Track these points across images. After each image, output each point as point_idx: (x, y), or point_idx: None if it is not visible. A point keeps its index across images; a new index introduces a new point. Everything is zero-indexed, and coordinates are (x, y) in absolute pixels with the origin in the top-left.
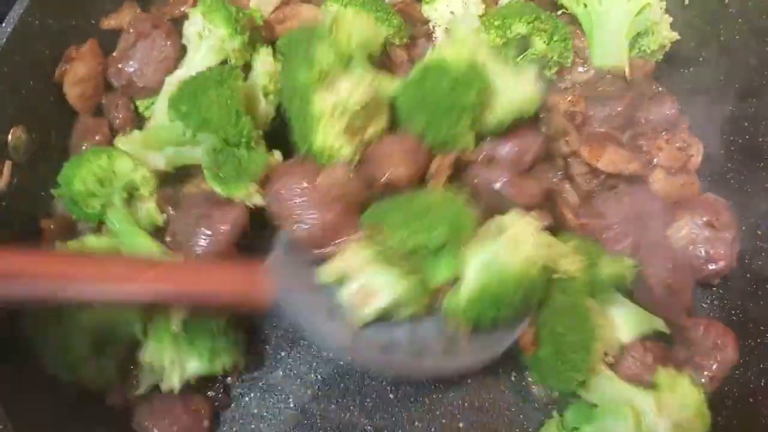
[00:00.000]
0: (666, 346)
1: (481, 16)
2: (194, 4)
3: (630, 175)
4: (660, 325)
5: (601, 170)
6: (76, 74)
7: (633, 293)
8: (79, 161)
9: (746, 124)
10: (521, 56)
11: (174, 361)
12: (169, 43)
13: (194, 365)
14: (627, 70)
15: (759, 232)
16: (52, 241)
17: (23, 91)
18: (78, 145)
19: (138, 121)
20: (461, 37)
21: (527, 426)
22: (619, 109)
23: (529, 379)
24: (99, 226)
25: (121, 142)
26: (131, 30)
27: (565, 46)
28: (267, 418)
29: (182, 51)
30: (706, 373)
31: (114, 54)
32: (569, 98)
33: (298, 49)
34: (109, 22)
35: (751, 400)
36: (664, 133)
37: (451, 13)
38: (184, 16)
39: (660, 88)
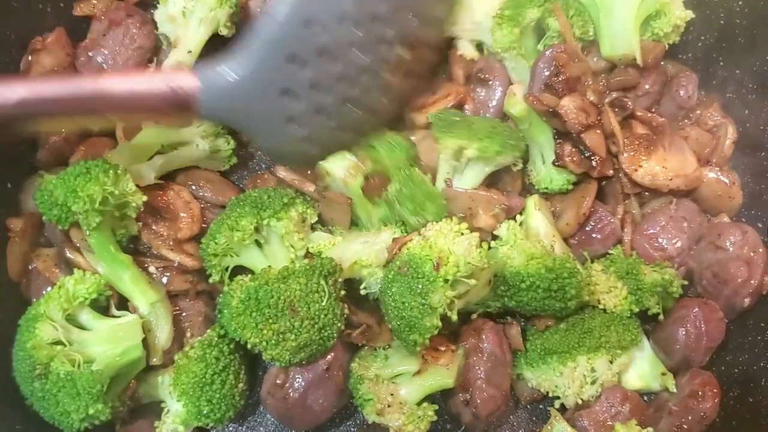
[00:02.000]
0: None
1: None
2: None
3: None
4: (670, 384)
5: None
6: (43, 66)
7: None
8: (88, 175)
9: None
10: (541, 42)
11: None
12: (143, 31)
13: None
14: (638, 57)
15: None
16: (19, 242)
17: None
18: (47, 139)
19: None
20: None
21: None
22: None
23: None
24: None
25: (113, 157)
26: (103, 18)
27: (583, 19)
28: None
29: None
30: (678, 424)
31: (84, 43)
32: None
33: (410, 294)
34: (82, 9)
35: None
36: (687, 120)
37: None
38: (153, 3)
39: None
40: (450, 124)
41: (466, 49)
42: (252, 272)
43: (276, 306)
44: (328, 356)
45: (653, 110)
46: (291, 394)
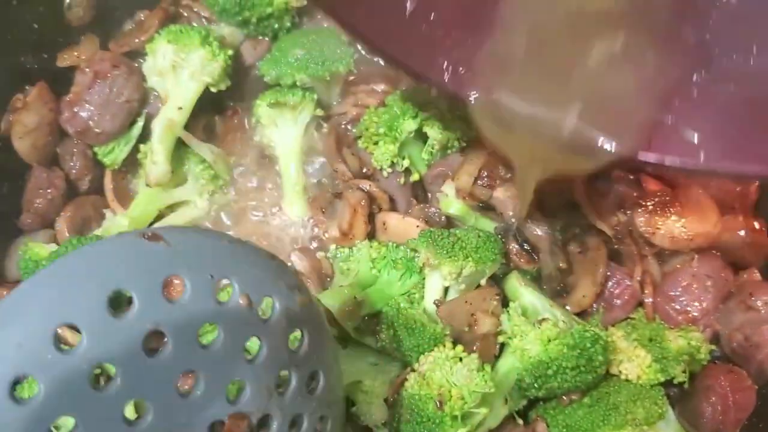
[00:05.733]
0: None
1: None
2: (156, 31)
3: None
4: None
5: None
6: (25, 125)
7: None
8: None
9: None
10: (424, 150)
11: None
12: (130, 83)
13: None
14: None
15: None
16: None
17: None
18: (31, 201)
19: (96, 169)
20: None
21: None
22: None
23: None
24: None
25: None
26: (87, 69)
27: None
28: None
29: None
30: None
31: (68, 97)
32: None
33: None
34: (65, 59)
35: None
36: None
37: None
38: (142, 53)
39: None
40: (446, 246)
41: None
42: None
43: None
44: None
45: None
46: None
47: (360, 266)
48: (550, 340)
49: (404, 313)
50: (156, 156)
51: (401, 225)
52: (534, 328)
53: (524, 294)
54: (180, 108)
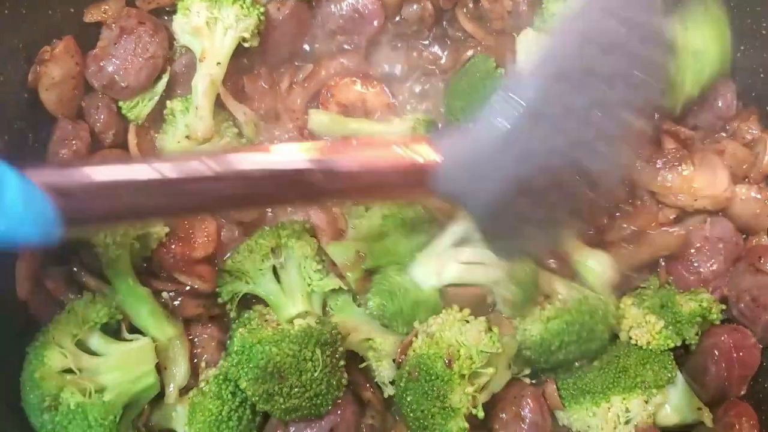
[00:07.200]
0: None
1: None
2: None
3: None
4: (707, 419)
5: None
6: (52, 77)
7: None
8: None
9: None
10: None
11: None
12: (156, 39)
13: None
14: None
15: None
16: (29, 261)
17: None
18: (56, 152)
19: (120, 123)
20: None
21: None
22: None
23: None
24: None
25: None
26: (114, 25)
27: None
28: None
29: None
30: None
31: (94, 51)
32: None
33: (427, 400)
34: (92, 15)
35: None
36: (723, 133)
37: None
38: (168, 10)
39: None
40: None
41: None
42: (265, 303)
43: (265, 369)
44: (334, 417)
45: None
46: None
47: (372, 221)
48: (549, 319)
49: (389, 279)
50: (201, 111)
51: None
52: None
53: None
54: (218, 63)
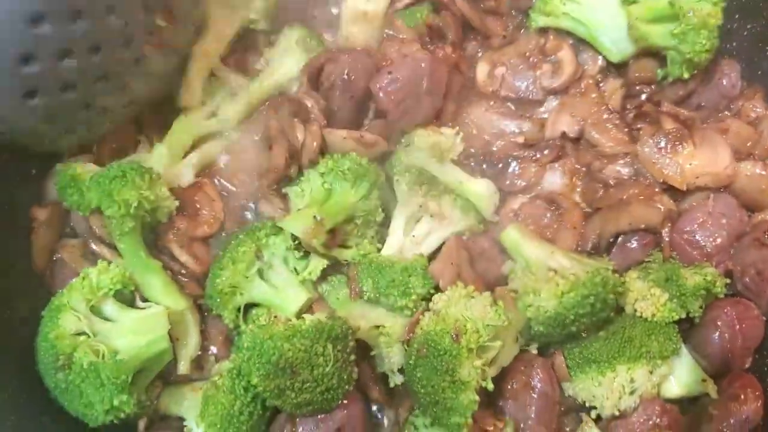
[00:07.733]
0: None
1: None
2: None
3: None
4: (712, 390)
5: None
6: None
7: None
8: (123, 179)
9: None
10: None
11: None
12: None
13: None
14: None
15: None
16: (44, 232)
17: None
18: None
19: None
20: None
21: None
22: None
23: None
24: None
25: (148, 161)
26: None
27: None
28: None
29: None
30: (719, 429)
31: None
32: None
33: (437, 375)
34: None
35: None
36: (727, 112)
37: None
38: None
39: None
40: None
41: None
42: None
43: (276, 364)
44: (342, 413)
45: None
46: None
47: (312, 185)
48: (563, 294)
49: (374, 259)
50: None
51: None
52: (545, 284)
53: (526, 246)
54: (218, 39)
